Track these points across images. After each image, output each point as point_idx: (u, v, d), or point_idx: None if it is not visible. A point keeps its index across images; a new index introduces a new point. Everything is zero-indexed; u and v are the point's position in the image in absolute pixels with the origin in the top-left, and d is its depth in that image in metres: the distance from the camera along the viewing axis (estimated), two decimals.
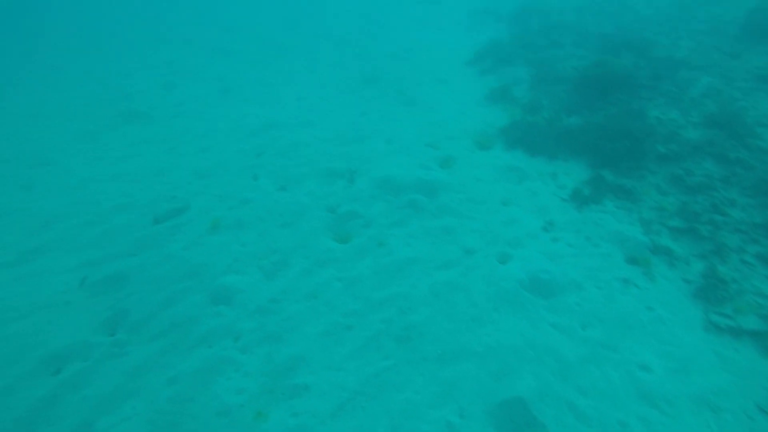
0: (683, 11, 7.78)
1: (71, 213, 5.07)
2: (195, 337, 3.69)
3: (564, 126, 5.94)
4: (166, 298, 4.02)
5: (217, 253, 4.42)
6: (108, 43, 11.44)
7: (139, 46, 11.08)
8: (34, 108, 7.66)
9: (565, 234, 4.59)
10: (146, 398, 3.29)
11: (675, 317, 3.76)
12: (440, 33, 10.66)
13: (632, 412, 3.14)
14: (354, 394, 3.25)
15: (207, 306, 3.92)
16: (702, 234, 4.25)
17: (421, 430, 3.02)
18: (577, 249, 4.39)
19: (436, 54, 9.13)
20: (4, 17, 12.01)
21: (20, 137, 6.83)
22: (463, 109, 6.84)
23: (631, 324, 3.71)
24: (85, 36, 12.19)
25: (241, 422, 3.13)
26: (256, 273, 4.22)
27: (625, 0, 9.34)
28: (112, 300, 4.04)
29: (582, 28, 8.27)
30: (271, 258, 4.32)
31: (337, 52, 9.43)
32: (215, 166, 5.75)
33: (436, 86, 7.55)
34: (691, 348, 3.53)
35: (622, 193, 4.92)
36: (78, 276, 4.28)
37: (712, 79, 5.92)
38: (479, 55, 8.33)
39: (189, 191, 5.30)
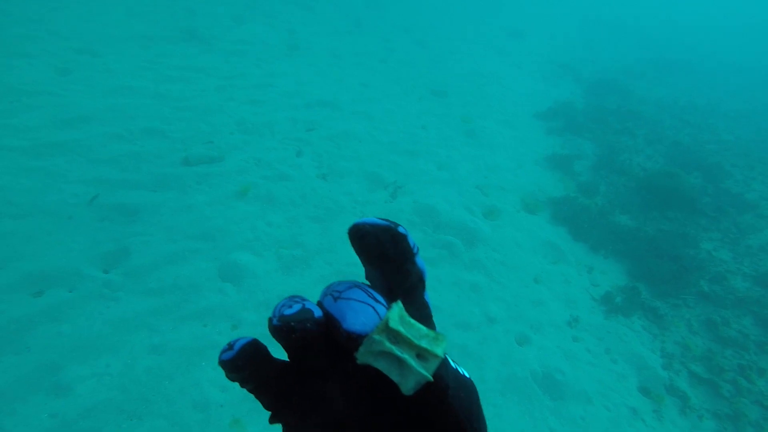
0: (764, 151, 7.70)
1: (102, 118, 4.74)
2: (192, 308, 3.43)
3: (614, 222, 5.79)
4: (174, 252, 3.75)
5: (239, 223, 4.16)
6: None
7: None
8: None
9: (587, 336, 4.44)
10: (124, 359, 3.03)
11: None
12: (517, 70, 10.44)
13: None
14: None
15: (214, 278, 3.66)
16: (722, 392, 4.14)
17: None
18: (595, 358, 4.25)
19: (509, 91, 8.91)
20: None
21: (74, 15, 6.42)
22: (521, 162, 6.65)
23: None
24: None
25: (215, 424, 2.89)
26: (273, 261, 3.97)
27: (707, 115, 9.25)
28: (118, 233, 3.75)
29: (658, 127, 8.14)
30: (294, 251, 4.07)
31: (413, 52, 9.14)
32: (262, 124, 5.45)
33: (500, 127, 7.34)
34: None
35: (653, 316, 4.79)
36: (90, 191, 3.98)
37: None
38: (551, 112, 8.14)
39: (228, 142, 5.01)
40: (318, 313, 0.45)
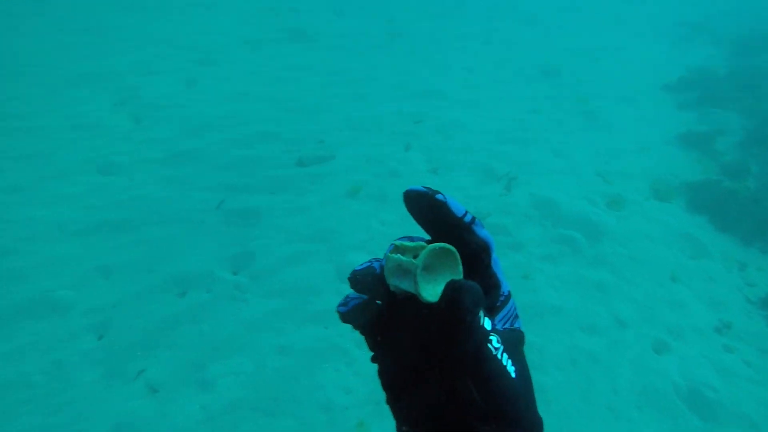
0: None
1: (221, 126, 5.07)
2: (313, 309, 3.54)
3: None
4: (292, 254, 3.90)
5: (353, 223, 4.21)
6: None
7: None
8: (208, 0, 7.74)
9: (743, 347, 3.87)
10: (255, 358, 3.22)
11: None
12: (638, 39, 9.37)
13: None
14: None
15: (332, 280, 3.75)
16: None
17: None
18: (757, 373, 3.69)
19: (630, 63, 8.03)
20: None
21: (189, 27, 6.93)
22: (649, 143, 5.96)
23: None
24: None
25: (341, 426, 2.97)
26: None
27: None
28: (242, 237, 3.99)
29: None
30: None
31: (519, 30, 8.57)
32: (369, 119, 5.46)
33: (621, 104, 6.65)
34: None
35: None
36: (216, 197, 4.27)
37: None
38: (683, 82, 7.18)
39: (338, 139, 5.09)
40: (379, 270, 0.53)
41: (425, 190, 0.51)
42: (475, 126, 5.64)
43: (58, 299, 3.34)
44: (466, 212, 0.52)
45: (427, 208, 0.52)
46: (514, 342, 0.53)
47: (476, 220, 0.53)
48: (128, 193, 4.19)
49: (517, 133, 5.62)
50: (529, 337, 3.57)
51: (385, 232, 4.20)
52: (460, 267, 0.48)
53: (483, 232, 0.53)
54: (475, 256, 0.52)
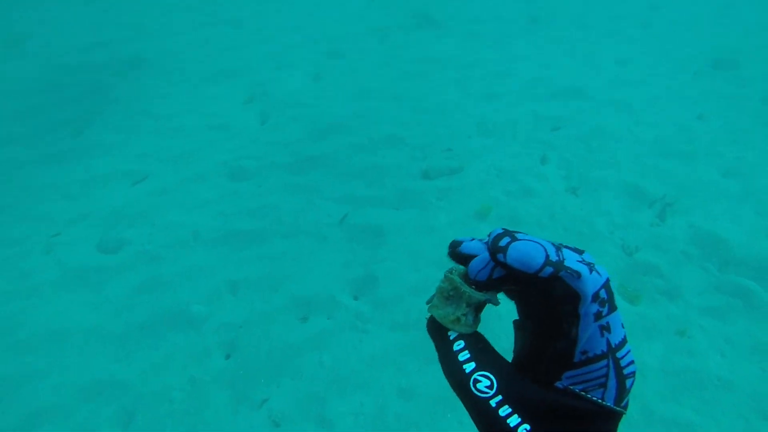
0: None
1: (348, 127, 4.93)
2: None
3: None
4: (417, 282, 3.69)
5: None
6: None
7: None
8: None
9: None
10: (375, 399, 3.11)
11: None
12: None
13: None
14: None
15: None
16: None
17: None
18: None
19: None
20: None
21: (323, 17, 6.82)
22: None
23: None
24: None
25: None
26: None
27: None
28: (365, 256, 3.86)
29: None
30: None
31: (687, 7, 7.21)
32: (502, 124, 4.99)
33: None
34: None
35: None
36: (340, 209, 4.17)
37: None
38: None
39: (467, 148, 4.71)
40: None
41: (484, 247, 0.50)
42: (626, 134, 4.90)
43: (193, 313, 3.51)
44: (545, 264, 0.47)
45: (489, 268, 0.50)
46: (564, 413, 0.47)
47: (564, 267, 0.48)
48: (257, 201, 4.25)
49: (679, 145, 4.78)
50: (685, 413, 3.05)
51: None
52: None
53: (576, 283, 0.48)
54: (555, 306, 0.48)
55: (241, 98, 5.36)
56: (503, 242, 0.49)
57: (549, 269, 0.47)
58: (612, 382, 0.49)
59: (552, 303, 0.47)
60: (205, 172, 4.53)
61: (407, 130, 4.89)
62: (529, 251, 0.48)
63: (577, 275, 0.47)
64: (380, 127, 4.94)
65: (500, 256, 0.48)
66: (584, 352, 0.48)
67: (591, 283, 0.48)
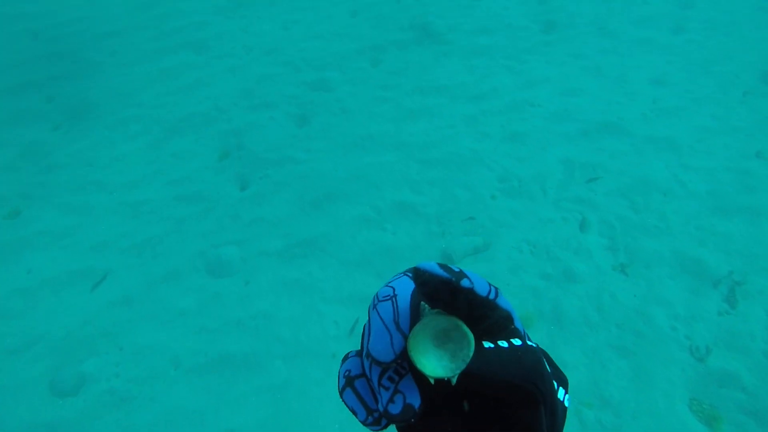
0: None
1: (347, 194, 4.19)
2: None
3: None
4: None
5: None
6: None
7: None
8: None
9: None
10: None
11: None
12: None
13: None
14: None
15: None
16: None
17: None
18: None
19: None
20: None
21: (294, 38, 5.83)
22: None
23: None
24: None
25: None
26: (573, 422, 3.03)
27: None
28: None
29: None
30: (600, 412, 3.05)
31: (728, 6, 6.33)
32: (529, 178, 4.28)
33: None
34: None
35: None
36: (349, 315, 3.49)
37: None
38: None
39: (491, 215, 4.02)
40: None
41: (445, 275, 0.50)
42: (673, 184, 4.24)
43: None
44: (491, 288, 0.52)
45: (449, 294, 0.50)
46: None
47: (499, 292, 0.53)
48: (246, 308, 3.55)
49: (738, 197, 4.15)
50: None
51: (568, 376, 3.22)
52: (472, 348, 0.47)
53: (504, 301, 0.53)
54: (499, 327, 0.53)
55: (212, 154, 4.52)
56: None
57: (494, 290, 0.53)
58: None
59: (495, 323, 0.53)
60: (178, 267, 3.77)
61: (418, 194, 4.16)
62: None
63: (502, 293, 0.55)
64: (386, 190, 4.19)
65: (466, 282, 0.50)
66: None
67: None
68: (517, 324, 0.54)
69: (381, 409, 0.48)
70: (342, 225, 3.98)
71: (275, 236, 3.93)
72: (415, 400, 0.48)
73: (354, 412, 0.52)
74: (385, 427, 0.51)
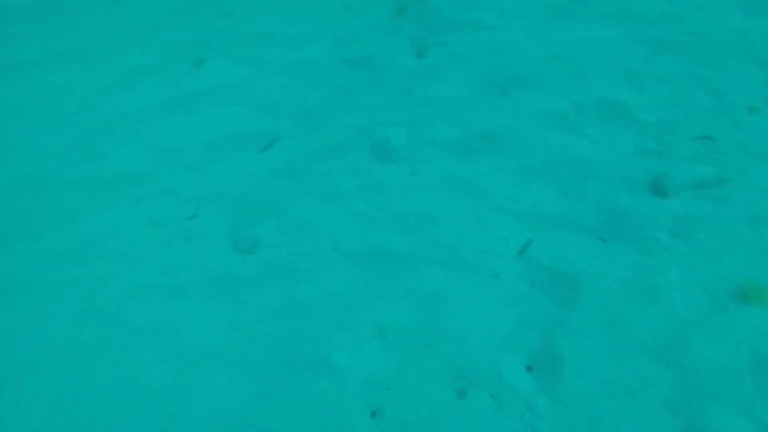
0: None
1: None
2: None
3: None
4: (617, 378, 2.77)
5: None
6: None
7: None
8: None
9: None
10: None
11: None
12: None
13: None
14: None
15: None
16: None
17: None
18: None
19: None
20: None
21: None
22: None
23: None
24: None
25: None
26: None
27: None
28: (548, 317, 2.96)
29: None
30: None
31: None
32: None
33: None
34: None
35: None
36: (520, 234, 3.09)
37: None
38: None
39: (740, 136, 3.03)
40: None
41: None
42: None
43: (334, 361, 3.09)
44: None
45: None
46: None
47: None
48: (407, 203, 3.33)
49: None
50: None
51: None
52: None
53: None
54: None
55: (386, 9, 3.88)
56: None
57: None
58: None
59: None
60: (342, 143, 3.61)
61: (638, 92, 3.25)
62: None
63: None
64: (594, 81, 3.32)
65: None
66: None
67: None
68: None
69: None
70: (529, 120, 3.31)
71: (449, 122, 3.44)
72: None
73: None
74: None
